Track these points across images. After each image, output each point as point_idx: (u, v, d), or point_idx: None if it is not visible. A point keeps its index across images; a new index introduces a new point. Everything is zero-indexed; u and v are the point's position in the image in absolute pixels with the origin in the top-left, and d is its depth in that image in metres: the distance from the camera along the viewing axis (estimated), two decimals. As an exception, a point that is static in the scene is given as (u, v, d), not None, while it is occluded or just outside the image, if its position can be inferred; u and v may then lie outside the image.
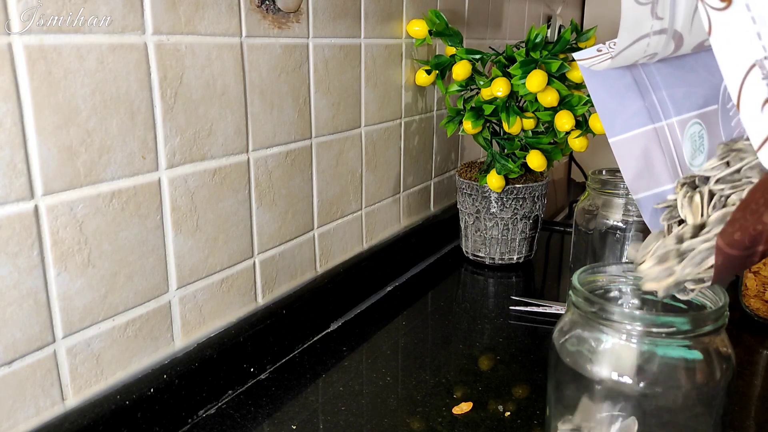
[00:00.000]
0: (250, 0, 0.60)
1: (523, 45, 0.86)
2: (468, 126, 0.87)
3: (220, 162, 0.60)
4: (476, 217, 0.94)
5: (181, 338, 0.59)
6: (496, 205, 0.92)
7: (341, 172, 0.77)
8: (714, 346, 0.43)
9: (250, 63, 0.61)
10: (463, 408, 0.60)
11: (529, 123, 0.87)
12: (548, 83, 0.82)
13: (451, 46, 0.89)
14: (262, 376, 0.66)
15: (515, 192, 0.91)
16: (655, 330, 0.41)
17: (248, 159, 0.63)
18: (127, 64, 0.49)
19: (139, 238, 0.53)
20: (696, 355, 0.42)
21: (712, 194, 0.40)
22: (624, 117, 0.48)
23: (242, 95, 0.61)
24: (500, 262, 0.95)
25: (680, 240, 0.40)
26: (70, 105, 0.46)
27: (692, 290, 0.41)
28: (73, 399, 0.50)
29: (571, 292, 0.45)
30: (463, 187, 0.94)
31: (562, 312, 0.51)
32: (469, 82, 0.88)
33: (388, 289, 0.88)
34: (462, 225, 0.97)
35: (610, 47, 0.46)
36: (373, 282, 0.86)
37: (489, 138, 0.91)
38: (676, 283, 0.40)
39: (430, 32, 0.87)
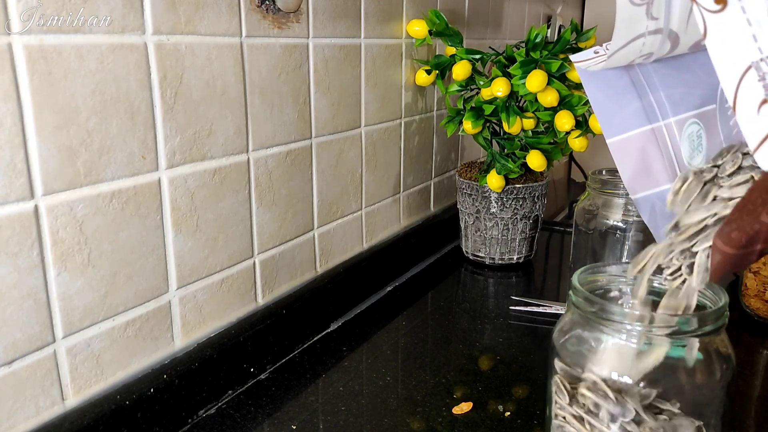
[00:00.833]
0: (250, 0, 0.60)
1: (523, 45, 0.86)
2: (468, 126, 0.87)
3: (220, 162, 0.60)
4: (476, 217, 0.94)
5: (181, 338, 0.59)
6: (496, 205, 0.92)
7: (341, 172, 0.77)
8: (714, 346, 0.43)
9: (250, 63, 0.61)
10: (463, 408, 0.60)
11: (529, 123, 0.87)
12: (548, 83, 0.82)
13: (451, 46, 0.89)
14: (262, 376, 0.66)
15: (515, 192, 0.91)
16: (655, 330, 0.41)
17: (248, 159, 0.63)
18: (127, 64, 0.49)
19: (139, 238, 0.53)
20: (696, 355, 0.42)
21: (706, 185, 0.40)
22: (621, 118, 0.48)
23: (242, 95, 0.61)
24: (500, 262, 0.95)
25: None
26: (70, 105, 0.46)
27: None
28: (73, 399, 0.50)
29: (571, 292, 0.45)
30: (463, 187, 0.94)
31: (562, 312, 0.51)
32: (469, 82, 0.88)
33: (388, 289, 0.88)
34: (462, 225, 0.97)
35: (607, 49, 0.46)
36: (373, 282, 0.86)
37: (489, 138, 0.91)
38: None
39: (430, 32, 0.87)
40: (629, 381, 0.41)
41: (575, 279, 0.45)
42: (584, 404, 0.43)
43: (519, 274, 0.95)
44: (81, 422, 0.49)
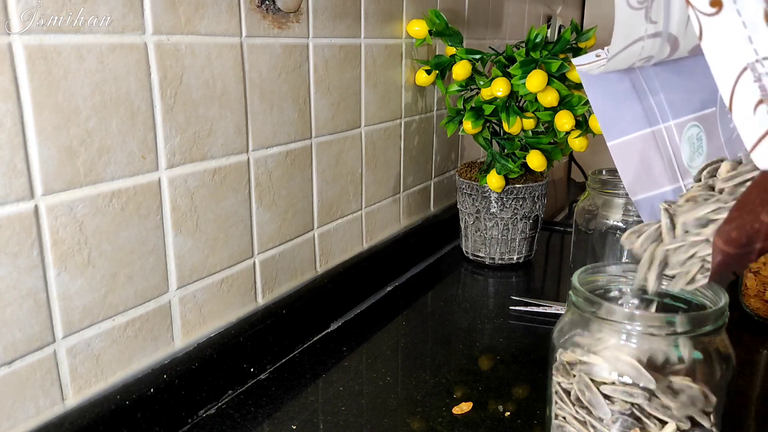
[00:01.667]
0: (250, 0, 0.60)
1: (523, 45, 0.86)
2: (468, 126, 0.87)
3: (220, 162, 0.60)
4: (476, 217, 0.94)
5: (181, 338, 0.59)
6: (496, 205, 0.92)
7: (341, 172, 0.77)
8: (714, 346, 0.43)
9: (250, 63, 0.61)
10: (463, 408, 0.60)
11: (529, 123, 0.87)
12: (548, 83, 0.82)
13: (451, 46, 0.89)
14: (262, 376, 0.66)
15: (515, 192, 0.91)
16: (655, 330, 0.41)
17: (248, 159, 0.63)
18: (127, 64, 0.49)
19: (139, 238, 0.53)
20: (696, 355, 0.42)
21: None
22: (622, 121, 0.49)
23: (242, 95, 0.61)
24: (500, 262, 0.95)
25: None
26: (70, 105, 0.46)
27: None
28: (73, 399, 0.50)
29: (571, 292, 0.45)
30: (463, 187, 0.94)
31: (562, 312, 0.51)
32: (469, 82, 0.88)
33: (388, 289, 0.88)
34: (462, 225, 0.97)
35: (608, 52, 0.46)
36: (373, 282, 0.86)
37: (489, 138, 0.91)
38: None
39: (430, 32, 0.87)
40: (629, 381, 0.41)
41: (575, 279, 0.45)
42: (584, 404, 0.43)
43: (519, 274, 0.95)
44: (81, 422, 0.49)
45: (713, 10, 0.34)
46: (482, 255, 0.96)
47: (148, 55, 0.51)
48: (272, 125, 0.65)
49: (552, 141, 0.89)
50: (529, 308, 0.81)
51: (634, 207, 0.76)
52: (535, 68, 0.83)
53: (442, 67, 0.89)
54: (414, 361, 0.69)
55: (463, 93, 0.91)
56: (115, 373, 0.53)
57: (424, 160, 0.98)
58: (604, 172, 0.82)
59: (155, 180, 0.53)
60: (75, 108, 0.46)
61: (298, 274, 0.73)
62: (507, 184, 0.90)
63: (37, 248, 0.46)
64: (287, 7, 0.64)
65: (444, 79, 0.91)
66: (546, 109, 0.85)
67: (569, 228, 1.06)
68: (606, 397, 0.42)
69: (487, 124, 0.90)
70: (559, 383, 0.45)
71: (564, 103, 0.85)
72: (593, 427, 0.43)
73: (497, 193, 0.91)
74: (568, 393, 0.44)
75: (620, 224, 0.78)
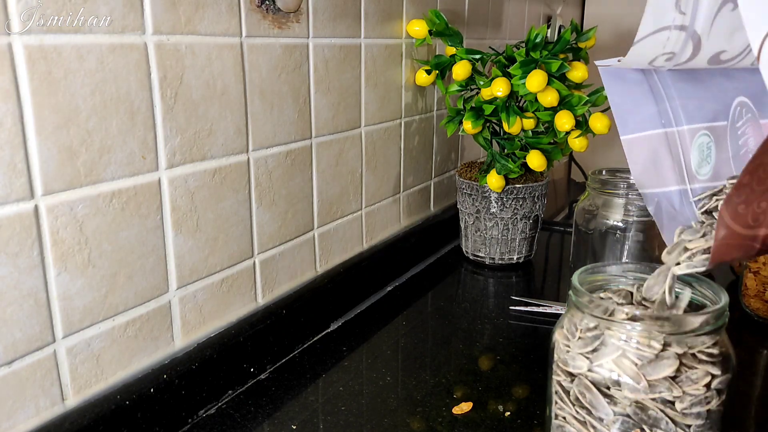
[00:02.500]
0: (250, 0, 0.60)
1: (523, 45, 0.86)
2: (468, 126, 0.87)
3: (220, 162, 0.60)
4: (476, 217, 0.94)
5: (181, 338, 0.59)
6: (496, 205, 0.92)
7: (341, 172, 0.77)
8: (714, 346, 0.43)
9: (250, 63, 0.61)
10: (463, 408, 0.60)
11: (529, 123, 0.87)
12: (548, 83, 0.82)
13: (451, 46, 0.89)
14: (262, 376, 0.66)
15: (515, 192, 0.91)
16: (655, 330, 0.41)
17: (248, 159, 0.63)
18: (127, 64, 0.49)
19: (139, 238, 0.53)
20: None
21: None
22: (637, 118, 0.51)
23: (242, 95, 0.61)
24: (500, 262, 0.95)
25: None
26: (70, 105, 0.46)
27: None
28: (73, 399, 0.50)
29: (571, 292, 0.45)
30: (463, 187, 0.94)
31: (562, 312, 0.51)
32: (469, 82, 0.88)
33: (388, 289, 0.88)
34: (462, 225, 0.97)
35: (637, 34, 0.48)
36: (373, 282, 0.86)
37: (489, 138, 0.91)
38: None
39: (430, 32, 0.87)
40: (629, 381, 0.41)
41: (575, 279, 0.45)
42: (584, 404, 0.43)
43: (519, 274, 0.95)
44: (81, 422, 0.49)
45: None
46: (482, 255, 0.96)
47: (148, 55, 0.51)
48: (272, 125, 0.65)
49: (552, 141, 0.89)
50: (529, 308, 0.81)
51: (634, 207, 0.77)
52: (535, 68, 0.83)
53: (442, 67, 0.89)
54: (414, 361, 0.69)
55: (463, 93, 0.91)
56: (115, 373, 0.53)
57: (424, 160, 0.98)
58: (604, 172, 0.82)
59: (155, 180, 0.53)
60: (75, 108, 0.46)
61: (298, 274, 0.73)
62: (507, 184, 0.90)
63: (37, 248, 0.46)
64: (287, 7, 0.64)
65: (444, 79, 0.91)
66: (546, 109, 0.85)
67: (569, 228, 1.06)
68: (606, 397, 0.42)
69: (487, 124, 0.90)
70: (559, 383, 0.45)
71: (564, 103, 0.85)
72: (593, 427, 0.43)
73: (497, 193, 0.91)
74: (568, 393, 0.44)
75: (620, 224, 0.78)
